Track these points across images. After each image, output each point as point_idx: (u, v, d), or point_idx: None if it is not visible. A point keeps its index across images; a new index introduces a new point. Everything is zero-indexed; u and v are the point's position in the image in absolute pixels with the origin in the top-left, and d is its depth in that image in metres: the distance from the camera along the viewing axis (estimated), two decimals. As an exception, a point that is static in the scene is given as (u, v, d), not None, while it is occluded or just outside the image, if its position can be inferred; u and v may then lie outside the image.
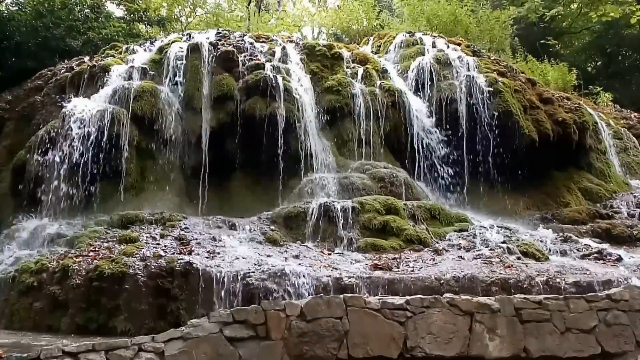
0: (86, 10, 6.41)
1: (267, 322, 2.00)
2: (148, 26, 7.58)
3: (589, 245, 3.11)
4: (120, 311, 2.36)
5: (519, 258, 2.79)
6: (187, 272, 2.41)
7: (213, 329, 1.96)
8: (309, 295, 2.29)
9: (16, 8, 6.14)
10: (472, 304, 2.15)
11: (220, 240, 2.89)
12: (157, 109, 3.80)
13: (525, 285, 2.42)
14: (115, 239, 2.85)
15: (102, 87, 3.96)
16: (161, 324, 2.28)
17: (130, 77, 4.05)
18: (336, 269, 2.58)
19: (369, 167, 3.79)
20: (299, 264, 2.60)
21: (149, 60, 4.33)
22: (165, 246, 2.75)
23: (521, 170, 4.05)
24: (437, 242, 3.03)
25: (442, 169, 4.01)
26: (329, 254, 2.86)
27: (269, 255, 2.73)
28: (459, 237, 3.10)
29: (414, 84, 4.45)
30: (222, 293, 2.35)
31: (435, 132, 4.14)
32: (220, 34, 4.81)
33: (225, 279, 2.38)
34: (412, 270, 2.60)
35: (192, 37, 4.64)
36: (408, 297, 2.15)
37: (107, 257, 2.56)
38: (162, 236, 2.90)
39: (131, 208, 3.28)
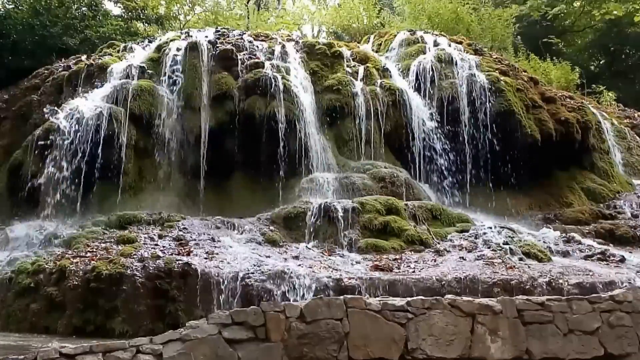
0: (83, 9, 6.37)
1: (267, 323, 1.98)
2: (146, 24, 7.51)
3: (592, 246, 3.09)
4: (118, 312, 2.34)
5: (521, 259, 2.77)
6: (185, 273, 2.40)
7: (212, 330, 1.94)
8: (309, 296, 2.27)
9: (13, 6, 6.08)
10: (473, 306, 2.12)
11: (219, 241, 2.87)
12: (155, 108, 3.78)
13: (527, 287, 2.40)
14: (113, 240, 2.83)
15: (100, 86, 3.92)
16: (159, 326, 2.26)
17: (128, 76, 4.01)
18: (336, 269, 2.56)
19: (370, 166, 3.76)
20: (299, 265, 2.58)
21: (147, 58, 4.30)
22: (163, 247, 2.73)
23: (523, 170, 4.02)
24: (439, 243, 3.01)
25: (443, 169, 3.97)
26: (329, 255, 2.84)
27: (268, 256, 2.71)
28: (461, 237, 3.07)
29: (415, 82, 4.41)
30: (221, 294, 2.34)
31: (437, 131, 4.11)
32: (219, 33, 4.78)
33: (224, 280, 2.37)
34: (413, 271, 2.58)
35: (191, 36, 4.60)
36: (409, 299, 2.12)
37: (104, 257, 2.54)
38: (160, 237, 2.89)
39: (129, 208, 3.26)
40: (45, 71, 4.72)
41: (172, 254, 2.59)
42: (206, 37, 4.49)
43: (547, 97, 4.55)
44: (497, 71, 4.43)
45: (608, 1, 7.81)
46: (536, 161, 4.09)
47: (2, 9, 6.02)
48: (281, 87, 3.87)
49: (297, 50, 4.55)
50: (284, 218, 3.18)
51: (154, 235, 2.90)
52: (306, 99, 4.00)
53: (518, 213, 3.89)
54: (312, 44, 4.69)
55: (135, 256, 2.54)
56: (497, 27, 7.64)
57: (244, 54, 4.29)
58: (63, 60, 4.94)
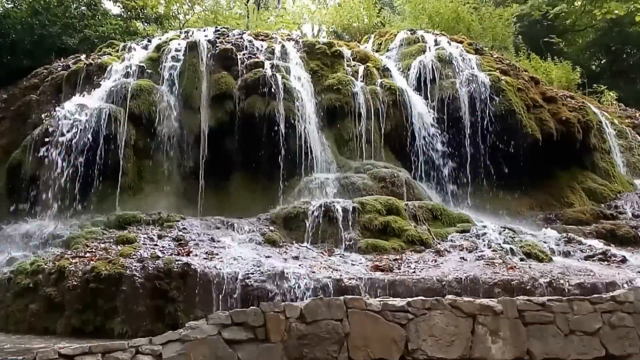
0: (82, 8, 6.35)
1: (267, 324, 1.98)
2: (145, 24, 7.50)
3: (593, 246, 3.08)
4: (117, 313, 2.33)
5: (522, 259, 2.76)
6: (185, 274, 2.39)
7: (211, 331, 1.93)
8: (309, 297, 2.26)
9: (12, 5, 6.07)
10: (474, 306, 2.12)
11: (218, 241, 2.86)
12: (154, 108, 3.76)
13: (528, 287, 2.40)
14: (112, 240, 2.82)
15: (99, 86, 3.91)
16: (159, 326, 2.25)
17: (127, 76, 4.00)
18: (336, 270, 2.55)
19: (370, 166, 3.75)
20: (299, 265, 2.57)
21: (147, 58, 4.29)
22: (162, 247, 2.72)
23: (524, 170, 4.01)
24: (439, 243, 3.00)
25: (444, 169, 3.97)
26: (329, 255, 2.83)
27: (268, 257, 2.70)
28: (461, 238, 3.07)
29: (415, 82, 4.41)
30: (221, 295, 2.33)
31: (437, 131, 4.10)
32: (219, 32, 4.76)
33: (223, 281, 2.36)
34: (414, 272, 2.57)
35: (190, 35, 4.59)
36: (409, 299, 2.12)
37: (104, 258, 2.53)
38: (159, 237, 2.88)
39: (128, 208, 3.25)
40: (44, 71, 4.70)
41: (171, 254, 2.58)
42: (206, 36, 4.48)
43: (548, 97, 4.54)
44: (497, 71, 4.42)
45: (609, 1, 7.80)
46: (537, 161, 4.07)
47: (1, 8, 6.00)
48: (281, 86, 3.87)
49: (297, 50, 4.54)
50: (283, 218, 3.17)
51: (154, 235, 2.89)
52: (306, 99, 3.99)
53: (519, 213, 3.89)
54: (312, 44, 4.68)
55: (134, 256, 2.53)
56: (498, 26, 7.63)
57: (244, 54, 4.28)
58: (62, 59, 4.92)
